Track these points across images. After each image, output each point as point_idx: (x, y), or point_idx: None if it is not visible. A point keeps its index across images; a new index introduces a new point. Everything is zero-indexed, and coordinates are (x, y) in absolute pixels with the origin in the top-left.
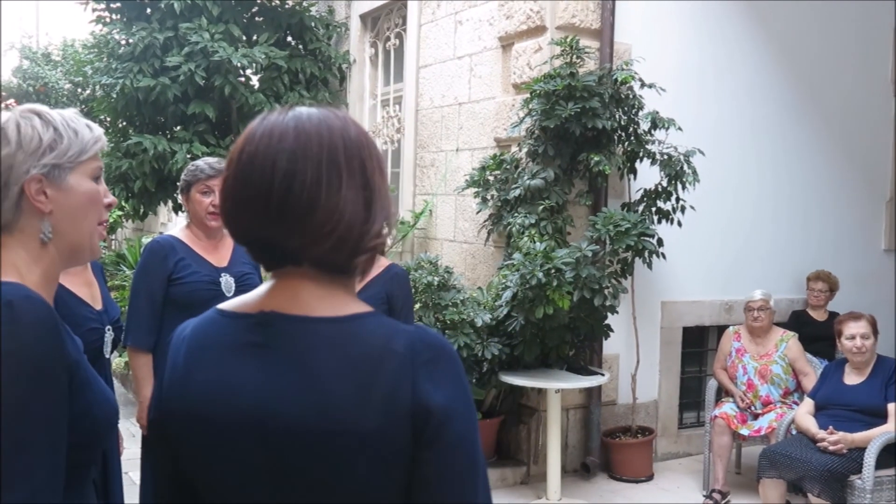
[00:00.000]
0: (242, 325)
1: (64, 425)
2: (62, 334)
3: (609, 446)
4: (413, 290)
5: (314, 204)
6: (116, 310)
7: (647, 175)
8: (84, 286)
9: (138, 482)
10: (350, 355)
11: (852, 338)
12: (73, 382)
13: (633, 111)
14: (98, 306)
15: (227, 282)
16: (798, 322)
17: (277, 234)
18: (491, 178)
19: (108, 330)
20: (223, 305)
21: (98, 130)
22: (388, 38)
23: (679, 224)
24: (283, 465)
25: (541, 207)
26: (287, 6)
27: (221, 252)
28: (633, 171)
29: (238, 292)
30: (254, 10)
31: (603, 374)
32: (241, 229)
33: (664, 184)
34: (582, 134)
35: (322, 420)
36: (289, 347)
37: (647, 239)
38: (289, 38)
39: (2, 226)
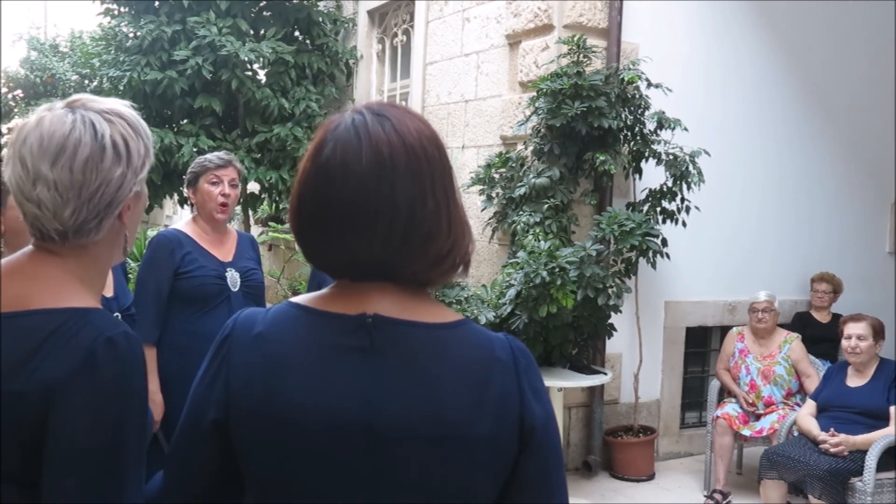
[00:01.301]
0: (341, 326)
1: (144, 455)
2: (145, 366)
3: (611, 445)
4: None
5: (434, 229)
6: (129, 298)
7: (653, 175)
8: None
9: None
10: (462, 361)
11: (849, 338)
12: None
13: (640, 111)
14: (108, 294)
15: (232, 276)
16: (802, 323)
17: (392, 259)
18: (496, 176)
19: (118, 317)
20: (304, 302)
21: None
22: (396, 35)
23: (684, 224)
24: (388, 471)
25: (546, 206)
26: (295, 1)
27: (226, 246)
28: (639, 171)
29: (244, 287)
30: (261, 4)
31: (606, 373)
32: (339, 249)
33: (669, 184)
34: (588, 133)
35: (437, 425)
36: (397, 352)
37: (652, 239)
38: (296, 33)
39: (86, 242)
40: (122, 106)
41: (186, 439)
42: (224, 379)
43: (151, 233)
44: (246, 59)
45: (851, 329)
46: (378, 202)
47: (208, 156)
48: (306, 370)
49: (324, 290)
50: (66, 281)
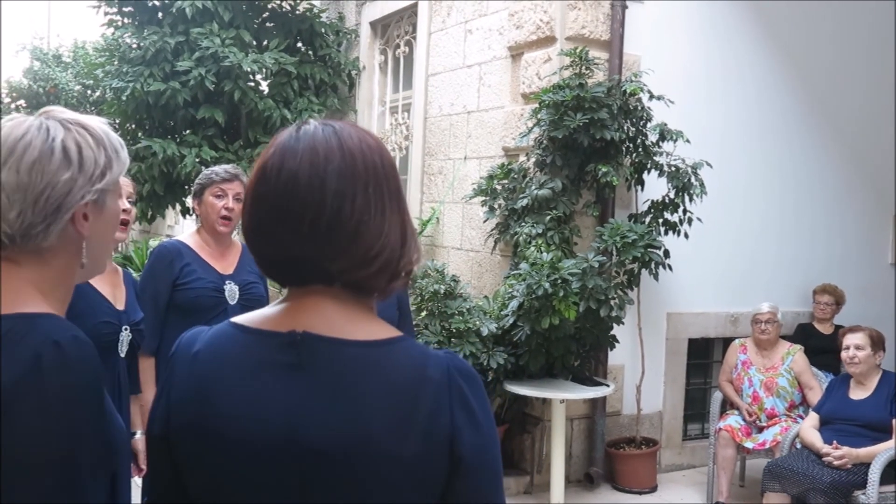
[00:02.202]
0: (270, 343)
1: (101, 464)
2: (102, 374)
3: (613, 457)
4: (419, 298)
5: (363, 227)
6: (139, 314)
7: (655, 186)
8: (108, 286)
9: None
10: (389, 381)
11: (847, 348)
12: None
13: (642, 123)
14: (119, 306)
15: (230, 290)
16: (804, 335)
17: (319, 254)
18: (498, 187)
19: (126, 329)
20: (238, 320)
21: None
22: (398, 46)
23: (686, 236)
24: (313, 488)
25: (548, 217)
26: (298, 12)
27: (228, 259)
28: (641, 183)
29: (242, 300)
30: (265, 15)
31: (608, 385)
32: (273, 247)
33: (671, 195)
34: (590, 145)
35: (360, 444)
36: (324, 369)
37: (654, 250)
38: (299, 44)
39: (38, 248)
40: (93, 120)
41: (151, 453)
42: (166, 396)
43: (154, 243)
44: (249, 69)
45: (849, 340)
46: (306, 194)
47: (215, 168)
48: (236, 386)
49: (265, 308)
50: (21, 289)
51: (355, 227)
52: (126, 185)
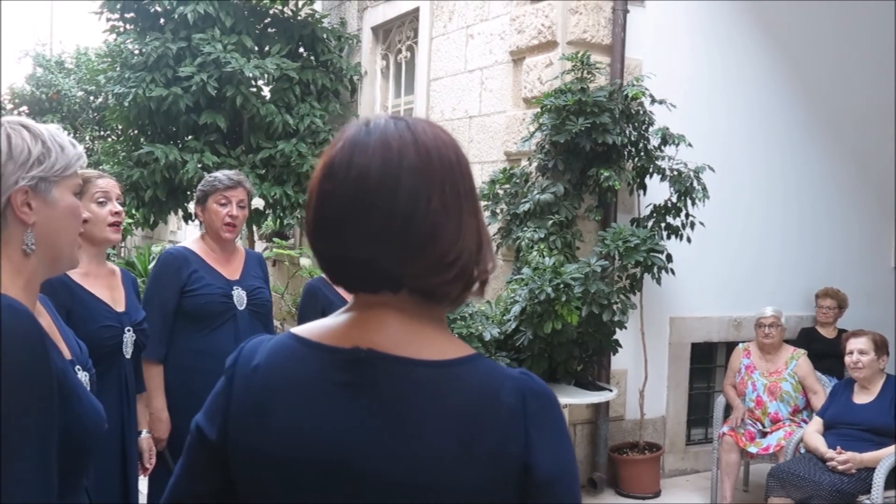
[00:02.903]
0: (333, 360)
1: (53, 433)
2: (45, 344)
3: (616, 462)
4: None
5: (439, 230)
6: (140, 314)
7: (657, 191)
8: (105, 289)
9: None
10: (456, 404)
11: (850, 353)
12: (61, 392)
13: (644, 127)
14: (119, 308)
15: (238, 295)
16: (807, 339)
17: (391, 257)
18: (500, 192)
19: (129, 331)
20: (300, 332)
21: (80, 148)
22: (400, 51)
23: (688, 240)
24: None
25: (550, 222)
26: (299, 18)
27: (233, 265)
28: (643, 187)
29: (249, 305)
30: (266, 21)
31: (611, 390)
32: (340, 247)
33: (674, 200)
34: (592, 149)
35: (417, 474)
36: (387, 391)
37: (657, 255)
38: (301, 50)
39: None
40: (44, 125)
41: (191, 458)
42: (225, 406)
43: (156, 248)
44: (250, 75)
45: (853, 344)
46: (378, 194)
47: (218, 175)
48: (292, 403)
49: (328, 317)
50: None
51: (431, 230)
52: (112, 186)
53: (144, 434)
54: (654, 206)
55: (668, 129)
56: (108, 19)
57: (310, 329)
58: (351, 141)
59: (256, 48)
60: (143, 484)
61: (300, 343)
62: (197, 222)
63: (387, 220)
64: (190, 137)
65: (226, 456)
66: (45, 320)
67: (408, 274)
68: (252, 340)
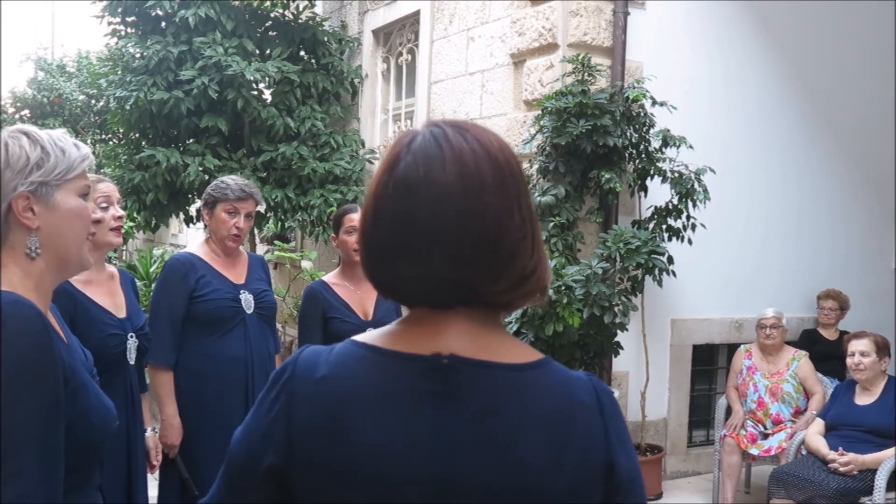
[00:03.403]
0: (414, 368)
1: (59, 427)
2: (51, 338)
3: None
4: None
5: (520, 245)
6: (141, 318)
7: (658, 193)
8: (107, 296)
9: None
10: (543, 408)
11: (852, 355)
12: (68, 387)
13: (645, 129)
14: (121, 315)
15: (246, 299)
16: (809, 341)
17: (477, 277)
18: None
19: (132, 337)
20: (365, 340)
21: (85, 149)
22: (401, 54)
23: (689, 242)
24: None
25: (551, 224)
26: (300, 21)
27: (238, 268)
28: (644, 189)
29: (257, 309)
30: (267, 24)
31: (612, 392)
32: (417, 268)
33: (675, 201)
34: (593, 151)
35: (513, 482)
36: (474, 398)
37: (658, 256)
38: (301, 53)
39: (5, 242)
40: (46, 130)
41: (235, 483)
42: (285, 423)
43: (157, 251)
44: (252, 78)
45: (854, 346)
46: (464, 216)
47: (230, 183)
48: (372, 416)
49: (391, 325)
50: None
51: (514, 247)
52: (112, 190)
53: (149, 432)
54: (656, 207)
55: (668, 130)
56: (110, 23)
57: (376, 337)
58: (424, 157)
59: (257, 51)
60: (152, 488)
61: (371, 351)
62: (199, 225)
63: (476, 242)
64: (191, 141)
65: (285, 478)
66: (54, 325)
67: (491, 291)
68: (305, 350)
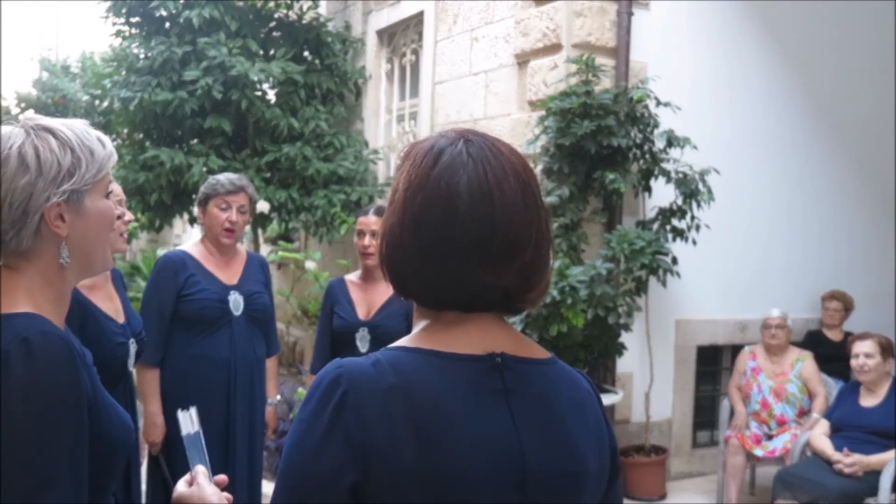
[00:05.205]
0: (477, 368)
1: (84, 453)
2: (78, 366)
3: (622, 465)
4: None
5: (547, 255)
6: (138, 321)
7: (663, 193)
8: (107, 300)
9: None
10: (572, 398)
11: (857, 356)
12: (92, 410)
13: (649, 129)
14: (121, 319)
15: (235, 300)
16: (813, 342)
17: (520, 285)
18: None
19: (132, 342)
20: (423, 345)
21: (110, 145)
22: (404, 54)
23: (694, 242)
24: None
25: (556, 225)
26: (304, 22)
27: (233, 269)
28: (648, 190)
29: (247, 311)
30: (271, 25)
31: (616, 393)
32: (468, 282)
33: (679, 202)
34: (597, 152)
35: (570, 463)
36: (529, 391)
37: (662, 257)
38: (305, 53)
39: (19, 252)
40: (67, 123)
41: (296, 493)
42: (356, 438)
43: (161, 251)
44: (255, 79)
45: (858, 348)
46: (511, 222)
47: (221, 178)
48: (458, 417)
49: (425, 329)
50: (12, 292)
51: (547, 254)
52: (120, 192)
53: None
54: (660, 208)
55: (673, 131)
56: (114, 24)
57: (427, 340)
58: (452, 167)
59: (261, 52)
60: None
61: (431, 356)
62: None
63: (531, 251)
64: (195, 141)
65: (361, 495)
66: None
67: (527, 298)
68: (346, 366)
